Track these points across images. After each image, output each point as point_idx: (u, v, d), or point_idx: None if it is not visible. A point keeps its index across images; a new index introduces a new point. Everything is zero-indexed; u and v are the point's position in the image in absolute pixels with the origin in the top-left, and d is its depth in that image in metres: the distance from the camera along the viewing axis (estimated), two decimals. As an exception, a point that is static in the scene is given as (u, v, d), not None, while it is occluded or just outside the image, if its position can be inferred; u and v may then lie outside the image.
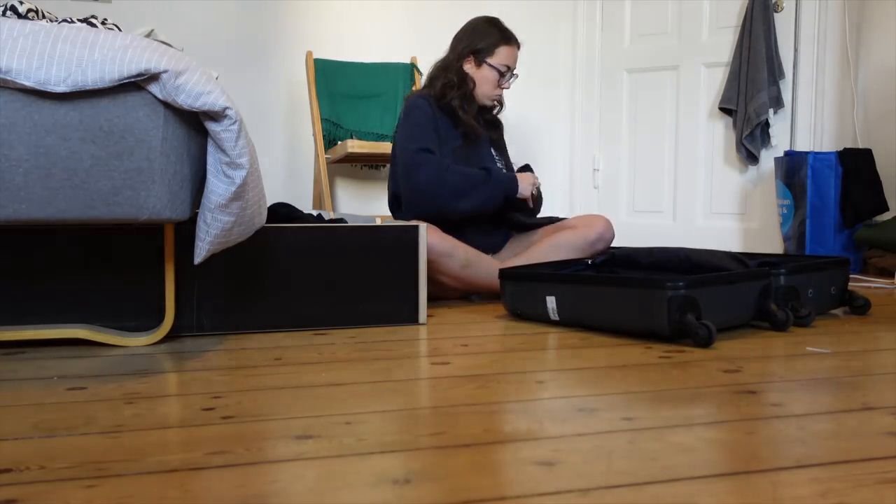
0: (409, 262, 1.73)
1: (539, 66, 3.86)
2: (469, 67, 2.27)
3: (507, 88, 2.33)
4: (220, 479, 0.76)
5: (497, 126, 2.44)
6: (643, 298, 1.50)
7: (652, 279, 1.51)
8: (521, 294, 1.80)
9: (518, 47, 2.31)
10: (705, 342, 1.43)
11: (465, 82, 2.26)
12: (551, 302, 1.71)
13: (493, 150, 2.36)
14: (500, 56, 2.26)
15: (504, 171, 2.33)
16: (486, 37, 2.27)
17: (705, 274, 1.56)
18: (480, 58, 2.26)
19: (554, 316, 1.72)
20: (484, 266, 2.09)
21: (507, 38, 2.28)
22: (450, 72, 2.27)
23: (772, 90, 3.23)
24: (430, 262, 2.00)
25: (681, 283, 1.46)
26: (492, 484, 0.74)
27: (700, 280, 1.50)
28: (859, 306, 1.85)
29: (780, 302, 1.67)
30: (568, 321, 1.69)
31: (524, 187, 2.19)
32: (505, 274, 1.86)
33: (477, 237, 2.22)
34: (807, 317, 1.65)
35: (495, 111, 2.40)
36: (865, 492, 0.72)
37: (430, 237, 2.00)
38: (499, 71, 2.26)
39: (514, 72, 2.31)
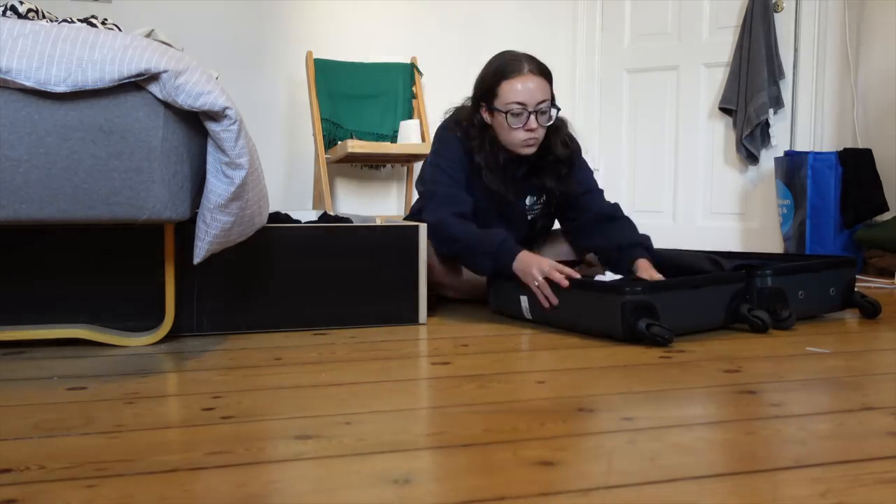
0: (409, 262, 1.73)
1: (539, 66, 3.85)
2: (487, 117, 1.89)
3: (536, 128, 1.83)
4: (220, 479, 0.76)
5: (551, 170, 1.97)
6: (601, 302, 1.52)
7: (610, 283, 1.53)
8: (501, 293, 1.83)
9: (532, 74, 1.81)
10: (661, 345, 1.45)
11: (484, 134, 1.89)
12: (524, 301, 1.74)
13: (529, 201, 2.02)
14: (503, 95, 1.81)
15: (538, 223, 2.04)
16: (485, 78, 1.88)
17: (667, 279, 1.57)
18: (489, 105, 1.86)
19: (527, 315, 1.74)
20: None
21: (505, 71, 1.82)
22: (470, 122, 1.91)
23: (772, 90, 3.23)
24: (437, 282, 1.99)
25: (638, 288, 1.48)
26: (492, 484, 0.74)
27: (659, 285, 1.52)
28: (868, 310, 1.78)
29: (764, 304, 1.64)
30: (538, 320, 1.72)
31: (527, 273, 1.68)
32: None
33: None
34: (787, 319, 1.62)
35: (558, 154, 1.95)
36: (865, 492, 0.72)
37: (436, 261, 1.97)
38: (509, 113, 1.81)
39: (540, 105, 1.81)
